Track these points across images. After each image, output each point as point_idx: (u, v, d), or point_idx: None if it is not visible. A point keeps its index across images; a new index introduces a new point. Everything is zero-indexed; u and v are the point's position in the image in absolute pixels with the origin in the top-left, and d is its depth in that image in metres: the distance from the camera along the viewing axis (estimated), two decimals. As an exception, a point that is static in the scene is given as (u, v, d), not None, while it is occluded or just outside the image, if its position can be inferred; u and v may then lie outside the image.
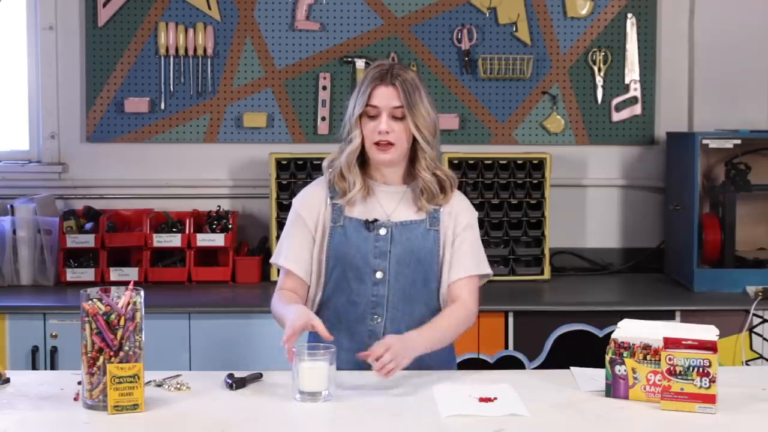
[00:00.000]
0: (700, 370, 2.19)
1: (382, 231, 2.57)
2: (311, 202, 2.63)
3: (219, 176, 4.20)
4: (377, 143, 2.54)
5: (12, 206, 3.88)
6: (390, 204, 2.60)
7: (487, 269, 2.66)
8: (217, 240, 3.90)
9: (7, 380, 2.43)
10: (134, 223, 4.02)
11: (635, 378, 2.29)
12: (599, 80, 4.19)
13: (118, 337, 2.19)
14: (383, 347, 2.36)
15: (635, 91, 4.20)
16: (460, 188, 3.88)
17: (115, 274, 3.84)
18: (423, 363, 2.53)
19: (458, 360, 2.90)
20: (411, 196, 2.61)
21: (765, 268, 3.80)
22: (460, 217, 2.64)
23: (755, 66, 4.17)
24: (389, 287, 2.57)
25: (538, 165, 3.98)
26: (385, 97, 2.53)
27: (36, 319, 3.50)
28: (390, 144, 2.54)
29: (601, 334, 3.56)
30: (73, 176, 4.17)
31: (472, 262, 2.63)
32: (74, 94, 4.14)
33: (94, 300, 2.21)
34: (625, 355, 2.30)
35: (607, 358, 2.32)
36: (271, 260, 2.68)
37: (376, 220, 2.58)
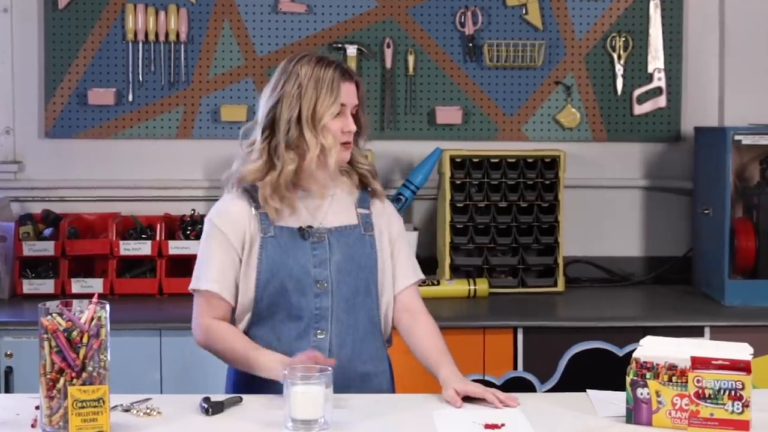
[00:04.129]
0: (732, 393, 2.20)
1: (319, 238, 2.61)
2: (235, 217, 2.62)
3: (193, 176, 4.21)
4: (344, 143, 2.62)
5: (-39, 210, 3.88)
6: (318, 210, 2.64)
7: (421, 273, 2.79)
8: (191, 248, 3.89)
9: (-44, 405, 2.43)
10: (99, 228, 4.02)
11: (659, 402, 2.30)
12: (619, 69, 4.20)
13: (81, 356, 2.18)
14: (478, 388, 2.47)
15: (659, 81, 4.21)
16: (463, 190, 3.93)
17: (77, 285, 3.84)
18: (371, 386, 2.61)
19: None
20: (338, 201, 2.66)
21: (804, 278, 3.81)
22: (393, 223, 2.74)
23: (793, 53, 4.19)
24: (333, 297, 2.60)
25: (551, 164, 3.99)
26: (350, 94, 2.61)
27: (-12, 336, 3.50)
28: (349, 142, 2.64)
29: (621, 353, 3.57)
30: (30, 176, 4.17)
31: (413, 269, 2.76)
32: (31, 85, 4.14)
33: (54, 315, 2.20)
34: (648, 376, 2.30)
35: (628, 379, 2.32)
36: (191, 286, 2.64)
37: (310, 227, 2.61)
